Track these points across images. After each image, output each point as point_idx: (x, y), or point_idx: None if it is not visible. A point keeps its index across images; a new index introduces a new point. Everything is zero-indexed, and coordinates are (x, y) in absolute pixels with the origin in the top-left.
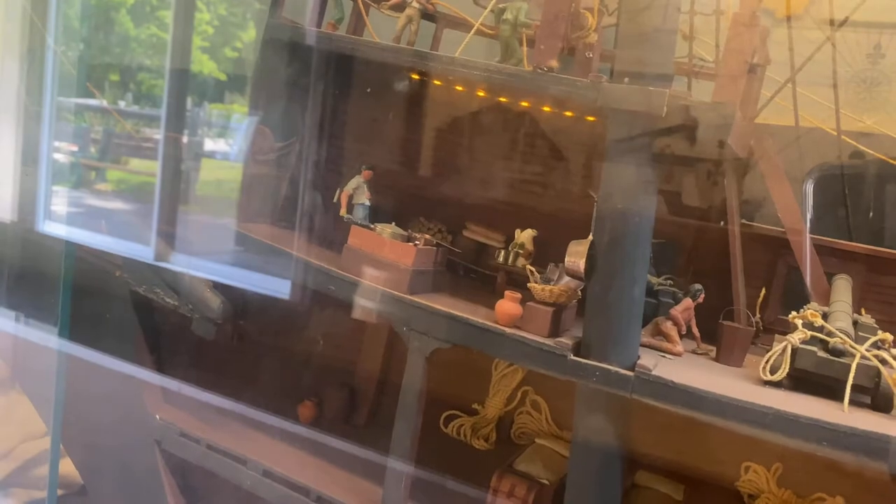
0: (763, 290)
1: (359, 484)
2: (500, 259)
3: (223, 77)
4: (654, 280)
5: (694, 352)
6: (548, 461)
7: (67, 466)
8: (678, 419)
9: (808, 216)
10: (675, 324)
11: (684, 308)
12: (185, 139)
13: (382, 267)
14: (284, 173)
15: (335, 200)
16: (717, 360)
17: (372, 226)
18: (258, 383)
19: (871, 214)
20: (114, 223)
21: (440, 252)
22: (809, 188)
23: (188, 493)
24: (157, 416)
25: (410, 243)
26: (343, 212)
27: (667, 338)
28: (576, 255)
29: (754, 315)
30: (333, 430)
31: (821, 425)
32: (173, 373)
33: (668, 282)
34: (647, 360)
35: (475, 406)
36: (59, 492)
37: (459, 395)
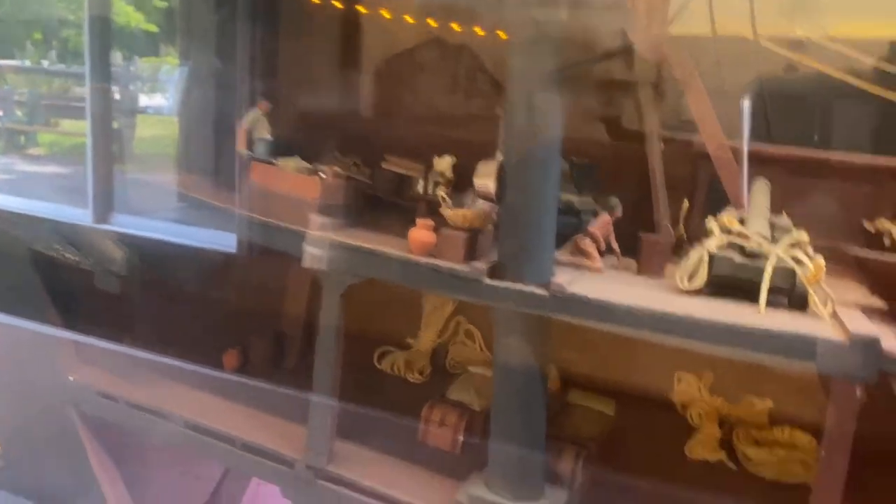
0: (686, 202)
1: (287, 428)
2: (420, 189)
3: (153, 28)
4: (575, 199)
5: (615, 267)
6: (480, 388)
7: None
8: (608, 337)
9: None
10: (594, 240)
11: (602, 223)
12: (115, 95)
13: (288, 203)
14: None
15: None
16: (638, 272)
17: (274, 161)
18: (179, 336)
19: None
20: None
21: (352, 185)
22: (747, 104)
23: (114, 453)
24: (71, 378)
25: (315, 176)
26: (241, 147)
27: (586, 255)
28: (485, 177)
29: (678, 227)
30: (260, 376)
31: (736, 329)
32: (86, 331)
33: (590, 200)
34: (563, 277)
35: (409, 340)
36: None
37: (392, 331)
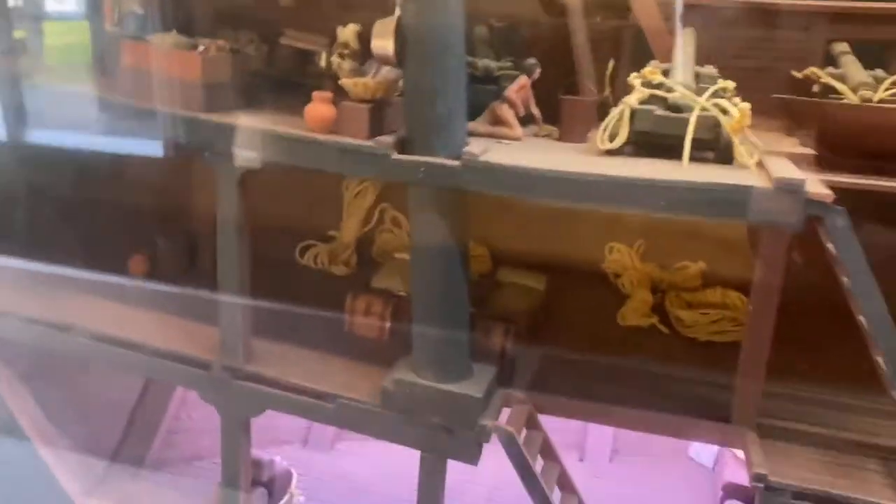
0: (612, 62)
1: (200, 331)
2: (323, 63)
3: None
4: (494, 65)
5: (535, 135)
6: (406, 274)
7: None
8: (538, 213)
9: None
10: (511, 105)
11: (519, 87)
12: None
13: (168, 85)
14: None
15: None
16: (560, 139)
17: (147, 38)
18: (81, 245)
19: None
20: None
21: (241, 60)
22: None
23: (25, 376)
24: None
25: (195, 51)
26: (108, 24)
27: (504, 122)
28: (382, 37)
29: (604, 89)
30: (170, 280)
31: (658, 185)
32: None
33: (510, 65)
34: (477, 147)
35: (331, 233)
36: None
37: (313, 225)
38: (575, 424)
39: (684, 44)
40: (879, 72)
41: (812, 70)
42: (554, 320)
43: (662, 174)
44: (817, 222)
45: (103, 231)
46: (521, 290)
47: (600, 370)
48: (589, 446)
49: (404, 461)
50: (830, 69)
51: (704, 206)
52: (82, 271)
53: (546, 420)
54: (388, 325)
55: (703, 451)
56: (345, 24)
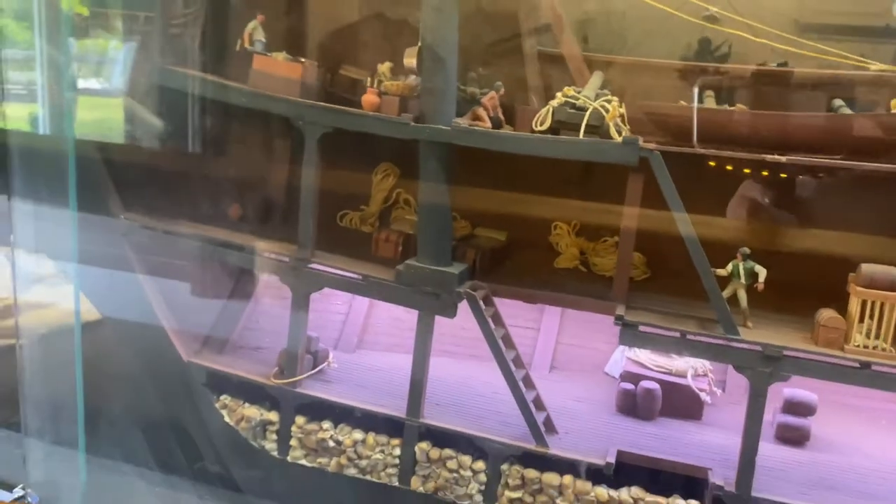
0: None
1: (280, 244)
2: (368, 83)
3: (84, 11)
4: (477, 90)
5: (500, 126)
6: (412, 225)
7: None
8: (508, 198)
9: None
10: (485, 108)
11: (489, 98)
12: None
13: (280, 81)
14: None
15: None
16: (514, 128)
17: (269, 53)
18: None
19: None
20: None
21: (322, 71)
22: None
23: (157, 273)
24: (122, 217)
25: (298, 62)
26: (246, 44)
27: (479, 119)
28: (410, 56)
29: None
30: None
31: (562, 141)
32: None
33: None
34: (462, 121)
35: (362, 207)
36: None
37: (350, 201)
38: (525, 350)
39: (594, 77)
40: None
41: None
42: (510, 257)
43: (567, 139)
44: (646, 161)
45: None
46: (489, 239)
47: (535, 277)
48: (535, 361)
49: (406, 362)
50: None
51: (591, 153)
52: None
53: None
54: (399, 248)
55: (614, 367)
56: (382, 62)
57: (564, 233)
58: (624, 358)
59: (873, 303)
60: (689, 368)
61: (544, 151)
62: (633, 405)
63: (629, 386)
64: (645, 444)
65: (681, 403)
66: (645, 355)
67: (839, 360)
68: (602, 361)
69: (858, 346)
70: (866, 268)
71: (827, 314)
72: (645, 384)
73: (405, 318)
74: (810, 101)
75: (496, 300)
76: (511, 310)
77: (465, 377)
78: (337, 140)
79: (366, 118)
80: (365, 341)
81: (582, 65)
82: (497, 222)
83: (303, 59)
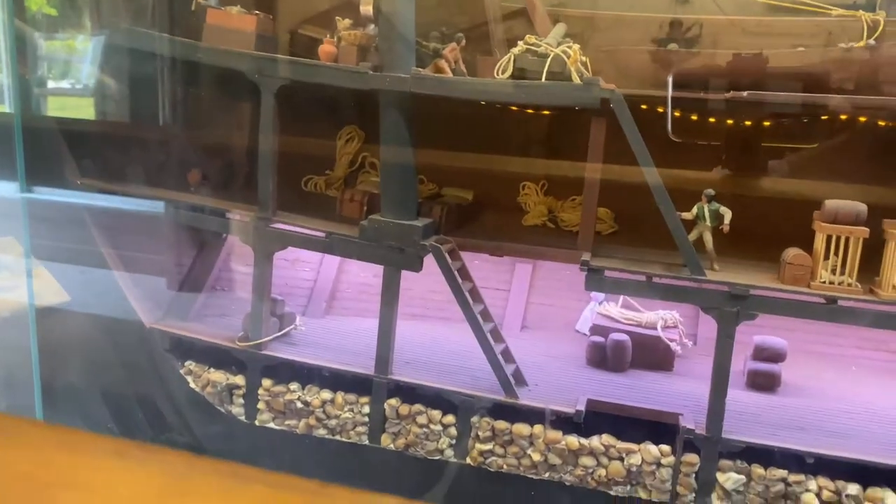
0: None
1: (241, 206)
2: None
3: (53, 12)
4: (439, 46)
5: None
6: (377, 185)
7: None
8: (476, 159)
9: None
10: (446, 60)
11: (451, 49)
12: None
13: (234, 35)
14: None
15: None
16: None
17: (222, 7)
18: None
19: None
20: None
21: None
22: None
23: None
24: (78, 182)
25: (253, 14)
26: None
27: (441, 70)
28: (366, 3)
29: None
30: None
31: (525, 85)
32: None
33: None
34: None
35: (327, 171)
36: None
37: (317, 166)
38: (496, 310)
39: (557, 27)
40: None
41: None
42: (478, 215)
43: (530, 84)
44: (607, 103)
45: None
46: (456, 197)
47: (502, 231)
48: (506, 322)
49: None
50: None
51: (551, 97)
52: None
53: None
54: (364, 208)
55: (584, 324)
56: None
57: (533, 192)
58: (594, 314)
59: (838, 238)
60: (659, 320)
61: (504, 97)
62: (603, 358)
63: (599, 339)
64: (616, 394)
65: (651, 355)
66: (615, 309)
67: (805, 297)
68: (573, 320)
69: (825, 282)
70: (830, 203)
71: (793, 252)
72: (614, 336)
73: (374, 283)
74: None
75: (463, 255)
76: (482, 272)
77: (436, 337)
78: (301, 104)
79: (323, 69)
80: (334, 307)
81: (545, 17)
82: (466, 183)
83: (257, 12)
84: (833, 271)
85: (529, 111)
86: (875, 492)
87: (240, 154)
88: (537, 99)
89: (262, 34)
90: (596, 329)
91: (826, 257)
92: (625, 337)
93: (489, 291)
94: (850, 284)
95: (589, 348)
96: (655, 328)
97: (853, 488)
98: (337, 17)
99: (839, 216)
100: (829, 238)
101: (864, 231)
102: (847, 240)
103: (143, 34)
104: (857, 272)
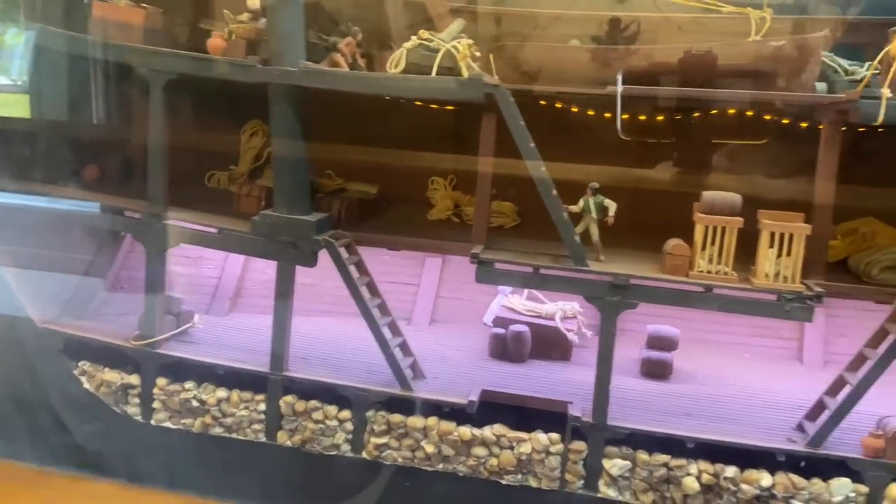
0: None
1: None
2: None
3: None
4: (338, 40)
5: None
6: None
7: None
8: (385, 154)
9: None
10: (342, 54)
11: (346, 43)
12: None
13: (122, 28)
14: None
15: None
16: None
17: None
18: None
19: None
20: None
21: (167, 19)
22: None
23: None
24: None
25: (140, 8)
26: None
27: (337, 64)
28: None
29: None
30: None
31: (410, 80)
32: None
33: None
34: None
35: (231, 167)
36: None
37: (224, 161)
38: (406, 305)
39: (454, 24)
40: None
41: None
42: (384, 210)
43: (419, 77)
44: (491, 97)
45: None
46: (359, 192)
47: (402, 226)
48: (415, 316)
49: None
50: None
51: (437, 91)
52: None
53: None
54: (262, 203)
55: (490, 317)
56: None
57: (441, 187)
58: (500, 307)
59: (714, 228)
60: (559, 311)
61: (392, 91)
62: (505, 349)
63: (500, 330)
64: (514, 384)
65: (550, 345)
66: (518, 301)
67: (684, 286)
68: (482, 313)
69: (702, 271)
70: (707, 195)
71: (673, 242)
72: (514, 328)
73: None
74: None
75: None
76: (391, 267)
77: (337, 333)
78: (207, 99)
79: (212, 62)
80: (238, 305)
81: (444, 12)
82: (378, 179)
83: (145, 5)
84: (710, 260)
85: (433, 107)
86: (751, 473)
87: (137, 150)
88: (425, 93)
89: (152, 28)
90: (498, 321)
91: (704, 247)
92: (524, 328)
93: (399, 286)
94: (726, 273)
95: (491, 340)
96: (554, 319)
97: (731, 471)
98: (225, 11)
99: (715, 207)
100: (706, 228)
101: (738, 221)
102: (723, 230)
103: (37, 28)
104: (735, 261)
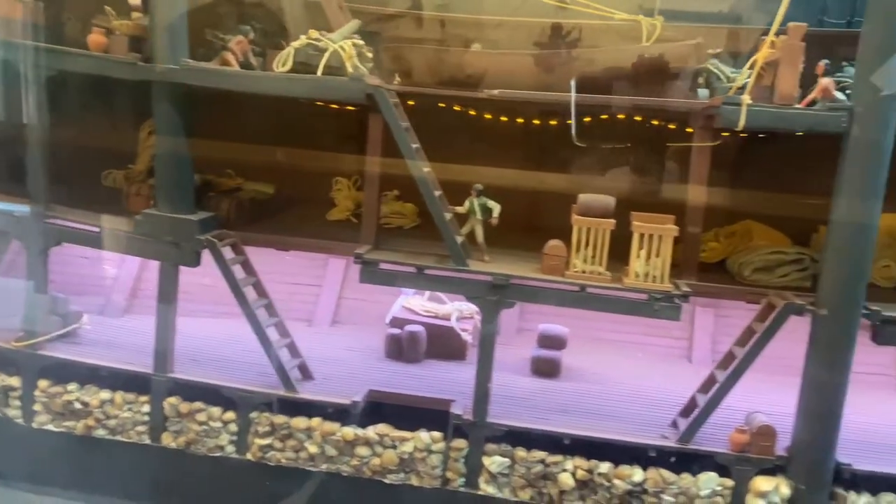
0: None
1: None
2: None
3: None
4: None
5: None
6: None
7: None
8: (288, 154)
9: None
10: (233, 52)
11: (237, 42)
12: None
13: (2, 23)
14: None
15: None
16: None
17: None
18: None
19: None
20: None
21: (51, 13)
22: None
23: None
24: None
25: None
26: None
27: (227, 63)
28: None
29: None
30: None
31: (300, 79)
32: None
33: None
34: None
35: (129, 165)
36: None
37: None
38: (308, 306)
39: (348, 25)
40: None
41: None
42: (281, 210)
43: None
44: (372, 98)
45: None
46: (255, 192)
47: (295, 226)
48: (316, 316)
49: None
50: None
51: (319, 91)
52: None
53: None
54: (152, 202)
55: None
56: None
57: (344, 187)
58: (399, 307)
59: (589, 229)
60: (455, 311)
61: (273, 89)
62: (401, 349)
63: (396, 331)
64: (407, 384)
65: (446, 345)
66: (418, 302)
67: (560, 285)
68: (385, 314)
69: (578, 271)
70: (583, 197)
71: (551, 243)
72: (409, 328)
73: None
74: None
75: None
76: (294, 268)
77: (233, 334)
78: (109, 98)
79: (92, 59)
80: (135, 306)
81: (338, 12)
82: (281, 178)
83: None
84: (585, 260)
85: (336, 107)
86: (624, 469)
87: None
88: (308, 93)
89: (33, 22)
90: (395, 321)
91: (579, 248)
92: (420, 328)
93: (302, 287)
94: (600, 273)
95: (387, 340)
96: (450, 319)
97: (605, 466)
98: (107, 7)
99: (590, 209)
100: (581, 229)
101: (610, 223)
102: (597, 231)
103: None
104: (616, 262)
